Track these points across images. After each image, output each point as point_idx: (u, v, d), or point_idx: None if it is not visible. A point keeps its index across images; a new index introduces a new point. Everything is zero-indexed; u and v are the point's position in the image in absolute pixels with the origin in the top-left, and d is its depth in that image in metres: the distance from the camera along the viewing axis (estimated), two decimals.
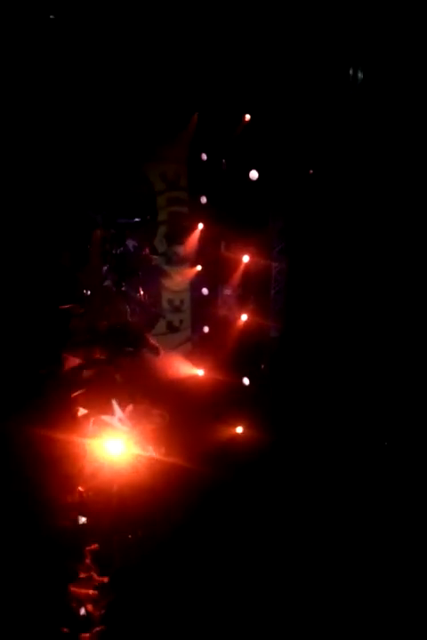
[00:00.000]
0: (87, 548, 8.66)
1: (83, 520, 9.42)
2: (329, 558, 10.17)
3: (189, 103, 13.13)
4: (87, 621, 8.34)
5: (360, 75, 12.51)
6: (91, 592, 8.54)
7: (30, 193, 11.32)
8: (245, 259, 14.03)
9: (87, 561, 8.53)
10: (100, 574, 8.56)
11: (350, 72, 12.39)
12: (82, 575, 8.40)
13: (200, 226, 13.82)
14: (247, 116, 13.31)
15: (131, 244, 11.75)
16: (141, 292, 12.39)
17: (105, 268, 12.15)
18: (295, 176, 13.84)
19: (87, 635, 8.15)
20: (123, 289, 12.25)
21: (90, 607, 8.39)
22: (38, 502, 8.90)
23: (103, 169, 12.12)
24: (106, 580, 8.56)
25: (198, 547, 9.91)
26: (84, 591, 8.51)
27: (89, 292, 11.39)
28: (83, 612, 8.36)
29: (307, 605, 9.26)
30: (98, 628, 8.26)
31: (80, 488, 9.39)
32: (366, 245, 13.47)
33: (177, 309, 14.10)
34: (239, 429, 12.32)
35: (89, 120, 11.94)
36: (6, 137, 10.96)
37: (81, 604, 8.43)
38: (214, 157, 13.88)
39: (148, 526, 9.69)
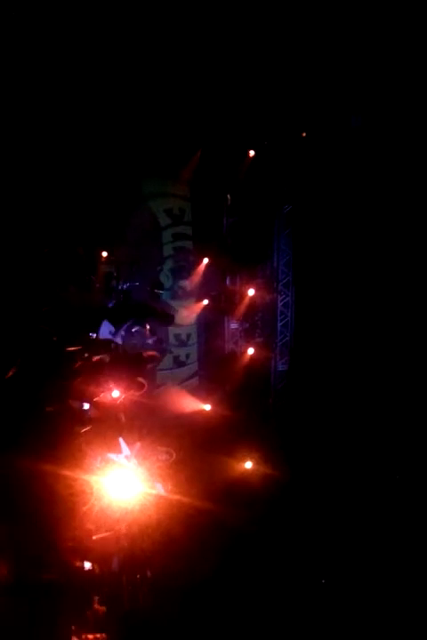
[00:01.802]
0: (94, 591, 8.44)
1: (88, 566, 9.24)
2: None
3: (193, 140, 13.32)
4: None
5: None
6: (98, 636, 8.31)
7: (37, 234, 11.44)
8: (251, 292, 14.05)
9: (95, 604, 8.30)
10: (109, 616, 8.33)
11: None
12: (89, 617, 8.17)
13: (205, 260, 13.88)
14: (252, 152, 13.50)
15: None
16: (147, 328, 12.37)
17: (111, 303, 12.26)
18: (300, 209, 13.98)
19: None
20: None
21: None
22: (46, 540, 8.72)
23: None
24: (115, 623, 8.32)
25: (209, 587, 9.70)
26: (91, 636, 8.28)
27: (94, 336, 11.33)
28: None
29: None
30: None
31: (88, 526, 9.20)
32: (373, 277, 13.53)
33: (183, 344, 14.06)
34: (248, 465, 12.14)
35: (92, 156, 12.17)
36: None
37: None
38: (218, 192, 14.03)
39: (157, 566, 9.49)
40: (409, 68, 11.84)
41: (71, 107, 11.76)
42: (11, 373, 9.96)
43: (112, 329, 10.76)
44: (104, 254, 12.52)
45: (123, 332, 10.86)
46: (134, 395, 10.94)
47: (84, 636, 7.96)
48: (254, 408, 13.76)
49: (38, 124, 11.53)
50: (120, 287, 12.42)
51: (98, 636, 8.03)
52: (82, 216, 12.12)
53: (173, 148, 13.20)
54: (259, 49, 11.87)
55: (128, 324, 11.01)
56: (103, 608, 8.32)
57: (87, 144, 12.17)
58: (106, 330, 10.72)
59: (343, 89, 12.56)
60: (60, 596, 8.26)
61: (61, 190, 11.97)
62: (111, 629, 8.26)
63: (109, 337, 10.71)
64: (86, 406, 10.35)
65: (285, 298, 14.50)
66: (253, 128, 13.29)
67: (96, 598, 8.44)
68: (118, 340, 10.79)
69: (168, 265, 13.80)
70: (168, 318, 12.70)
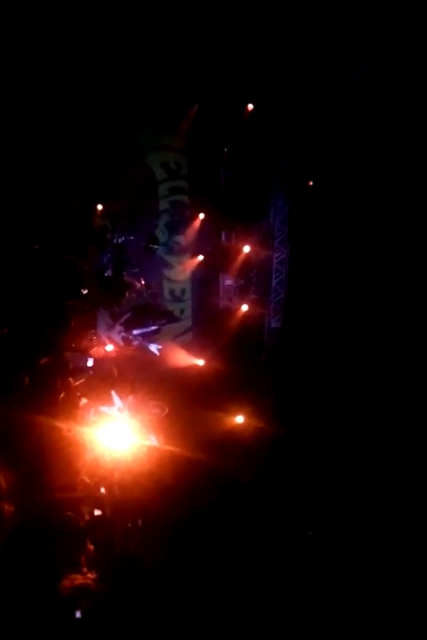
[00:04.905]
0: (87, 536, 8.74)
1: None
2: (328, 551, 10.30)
3: (190, 92, 13.08)
4: (83, 624, 8.40)
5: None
6: (88, 582, 8.61)
7: (34, 190, 11.34)
8: (246, 249, 14.01)
9: (89, 548, 8.62)
10: (100, 560, 8.65)
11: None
12: (82, 560, 8.50)
13: (201, 216, 13.80)
14: (250, 106, 13.27)
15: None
16: (142, 282, 12.40)
17: (106, 257, 12.25)
18: (298, 166, 13.83)
19: None
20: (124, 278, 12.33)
21: (85, 603, 8.44)
22: (42, 490, 8.97)
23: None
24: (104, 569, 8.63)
25: (199, 535, 10.01)
26: (80, 581, 8.58)
27: (86, 291, 11.30)
28: (78, 614, 8.40)
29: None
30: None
31: (83, 477, 9.45)
32: (368, 236, 13.50)
33: (178, 299, 14.11)
34: (240, 419, 12.37)
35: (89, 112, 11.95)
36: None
37: (77, 601, 8.49)
38: (215, 146, 13.85)
39: (148, 514, 9.78)
40: (412, 19, 11.57)
41: (68, 59, 11.53)
42: (5, 330, 10.07)
43: (109, 321, 10.77)
44: (99, 207, 12.54)
45: (120, 328, 10.84)
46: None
47: (73, 576, 8.28)
48: (247, 364, 13.90)
49: (35, 76, 11.33)
50: (115, 241, 12.47)
51: (89, 575, 8.35)
52: (77, 168, 12.01)
53: (170, 101, 12.96)
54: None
55: (125, 317, 11.00)
56: (93, 549, 8.64)
57: (84, 95, 11.96)
58: (103, 322, 10.72)
59: (344, 39, 12.28)
60: (54, 541, 8.55)
61: (57, 142, 11.83)
62: (102, 572, 8.59)
63: (107, 331, 10.70)
64: (90, 362, 10.52)
65: (280, 255, 14.46)
66: (251, 81, 13.03)
67: (88, 541, 8.76)
68: (117, 339, 10.78)
69: (164, 219, 13.70)
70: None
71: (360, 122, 12.85)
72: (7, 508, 8.86)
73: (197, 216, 13.81)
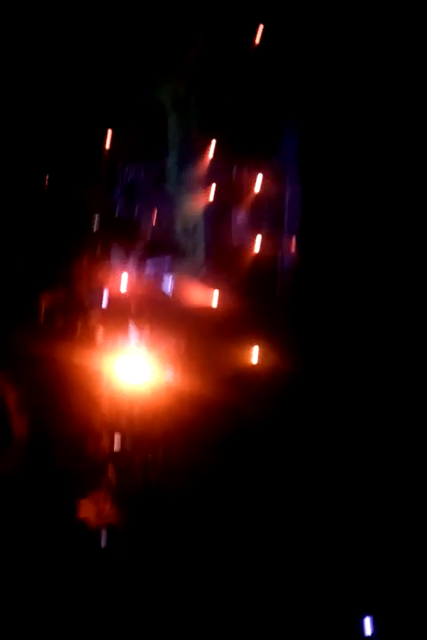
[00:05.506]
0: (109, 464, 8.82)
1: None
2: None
3: (198, 24, 12.67)
4: (106, 552, 8.52)
5: None
6: (112, 511, 8.73)
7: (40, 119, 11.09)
8: (258, 185, 13.71)
9: (109, 475, 8.71)
10: (121, 489, 8.74)
11: None
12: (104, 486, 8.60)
13: (211, 151, 13.47)
14: (259, 33, 12.86)
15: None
16: (154, 219, 12.20)
17: (116, 193, 12.04)
18: (309, 101, 13.46)
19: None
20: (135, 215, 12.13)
21: (109, 532, 8.56)
22: (60, 419, 9.00)
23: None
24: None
25: (217, 469, 10.07)
26: (104, 510, 8.69)
27: (98, 227, 11.19)
28: (103, 544, 8.54)
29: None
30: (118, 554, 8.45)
31: (103, 409, 9.50)
32: (384, 171, 13.19)
33: (190, 236, 13.88)
34: (256, 354, 12.27)
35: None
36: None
37: (101, 530, 8.61)
38: (224, 79, 13.47)
39: (168, 448, 9.84)
40: None
41: None
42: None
43: (123, 255, 10.66)
44: (108, 141, 12.25)
45: (134, 263, 10.72)
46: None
47: (96, 506, 8.40)
48: (262, 303, 13.73)
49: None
50: (124, 176, 12.23)
51: (111, 505, 8.47)
52: (85, 101, 11.71)
53: (178, 32, 12.56)
54: None
55: (139, 253, 10.87)
56: (115, 479, 8.73)
57: (88, 31, 11.59)
58: (117, 256, 10.62)
59: None
60: (76, 470, 8.62)
61: (65, 78, 11.51)
62: (124, 500, 8.69)
63: (121, 266, 10.57)
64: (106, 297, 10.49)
65: (293, 191, 14.14)
66: (260, 11, 12.59)
67: (110, 471, 8.84)
68: (131, 273, 10.63)
69: (173, 155, 13.39)
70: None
71: (374, 61, 12.43)
72: (18, 423, 8.90)
73: (207, 151, 13.49)
